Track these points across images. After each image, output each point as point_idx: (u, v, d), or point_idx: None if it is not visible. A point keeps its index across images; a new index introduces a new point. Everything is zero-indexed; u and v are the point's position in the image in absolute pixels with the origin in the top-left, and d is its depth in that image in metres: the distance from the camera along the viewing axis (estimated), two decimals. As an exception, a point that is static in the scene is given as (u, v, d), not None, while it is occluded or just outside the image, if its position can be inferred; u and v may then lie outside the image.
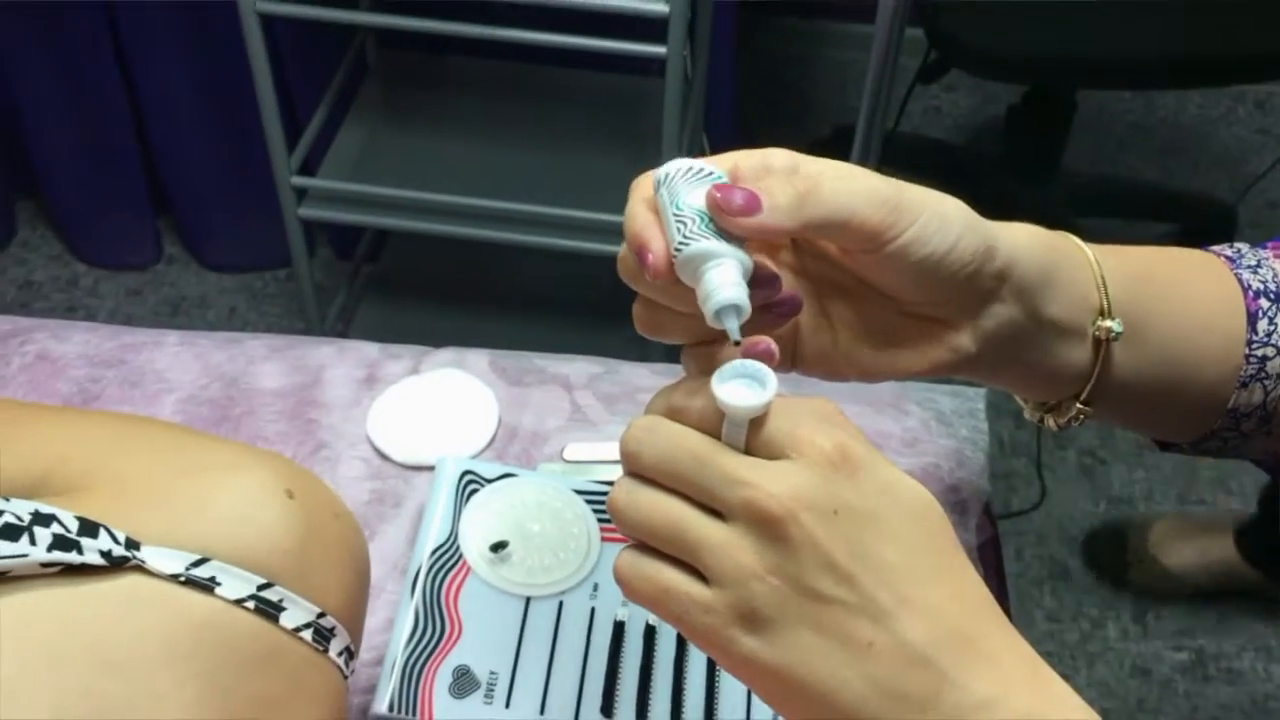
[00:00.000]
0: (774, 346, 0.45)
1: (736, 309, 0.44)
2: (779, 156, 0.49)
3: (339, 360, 0.93)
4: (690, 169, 0.47)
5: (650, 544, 0.45)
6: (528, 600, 0.77)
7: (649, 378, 0.93)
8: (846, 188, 0.47)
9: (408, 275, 1.88)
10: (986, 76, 1.97)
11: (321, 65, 1.71)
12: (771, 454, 0.44)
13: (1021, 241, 0.51)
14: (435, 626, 0.74)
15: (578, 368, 0.94)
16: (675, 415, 0.46)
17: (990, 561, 0.86)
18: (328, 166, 1.65)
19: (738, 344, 0.45)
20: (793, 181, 0.47)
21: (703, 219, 0.45)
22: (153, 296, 1.96)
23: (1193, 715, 1.59)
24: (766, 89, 2.28)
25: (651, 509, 0.45)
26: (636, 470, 0.45)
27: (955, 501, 0.86)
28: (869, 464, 0.43)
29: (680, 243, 0.45)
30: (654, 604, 0.45)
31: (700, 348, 0.49)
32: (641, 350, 1.65)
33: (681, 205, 0.46)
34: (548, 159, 1.66)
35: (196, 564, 0.53)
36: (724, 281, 0.44)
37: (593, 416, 0.90)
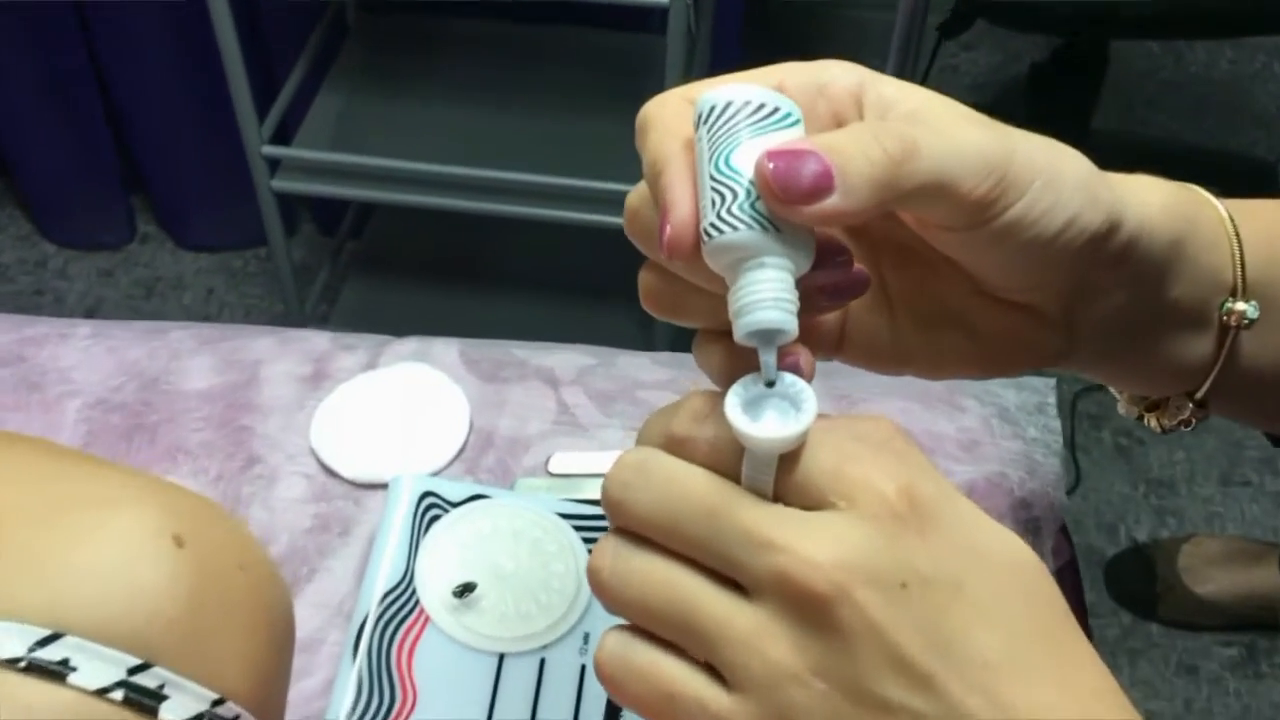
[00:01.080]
0: (808, 361, 0.34)
1: (777, 334, 0.32)
2: (840, 77, 0.37)
3: (280, 354, 0.75)
4: (751, 105, 0.33)
5: (646, 628, 0.34)
6: (501, 658, 0.59)
7: (651, 370, 0.75)
8: (948, 148, 0.34)
9: (395, 252, 1.76)
10: (1015, 28, 1.82)
11: (298, 27, 1.58)
12: (811, 502, 0.33)
13: (1153, 210, 0.40)
14: (383, 695, 0.57)
15: (565, 359, 0.76)
16: (678, 447, 0.34)
17: (1070, 589, 0.68)
18: (304, 135, 1.51)
19: (770, 385, 0.33)
20: (881, 139, 0.33)
21: (754, 193, 0.33)
22: (125, 278, 1.82)
23: (1245, 716, 1.45)
24: (775, 47, 2.10)
25: (647, 581, 0.34)
26: (626, 525, 0.34)
27: (1027, 520, 0.68)
28: (947, 513, 0.32)
29: (715, 223, 0.33)
30: (652, 713, 0.34)
31: (723, 340, 0.36)
32: (647, 337, 1.50)
33: (728, 165, 0.33)
34: (541, 125, 1.53)
35: (44, 642, 0.40)
36: (766, 295, 0.32)
37: (583, 419, 0.72)
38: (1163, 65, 2.15)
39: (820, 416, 0.33)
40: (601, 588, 0.34)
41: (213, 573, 0.46)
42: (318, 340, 0.76)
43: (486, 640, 0.60)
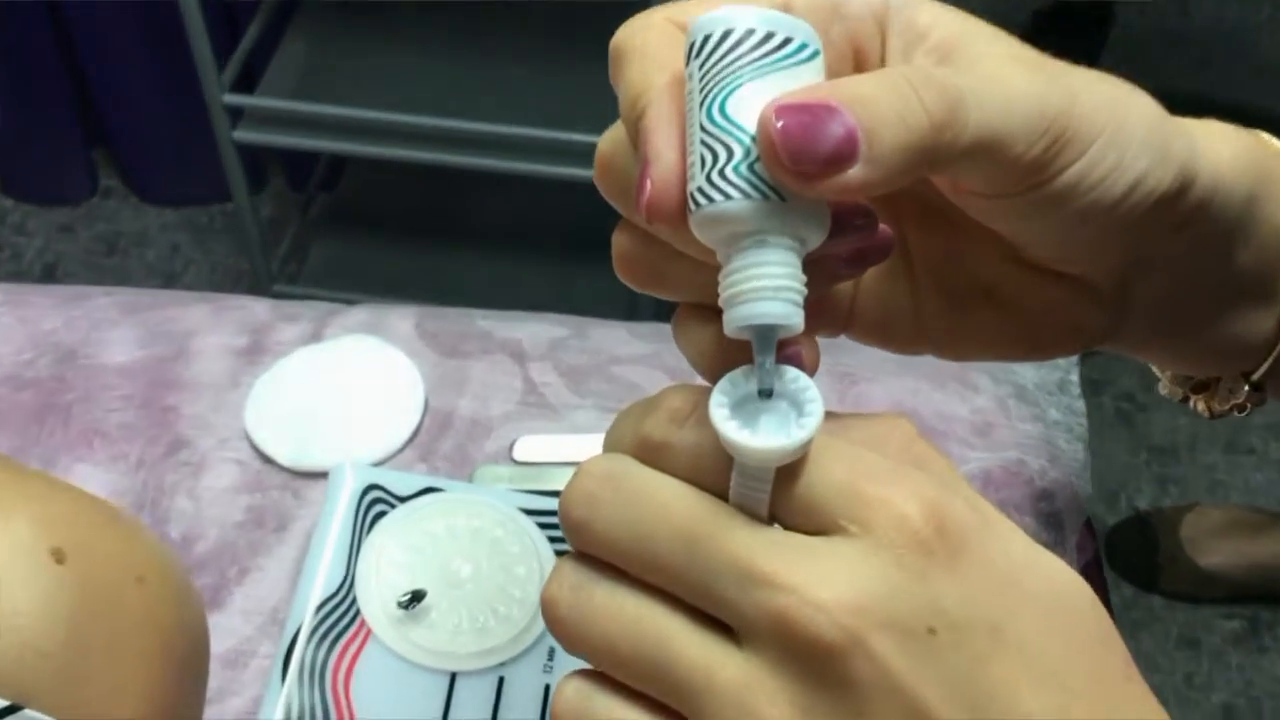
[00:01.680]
0: (811, 351, 0.29)
1: (778, 330, 0.27)
2: None
3: (214, 324, 0.66)
4: (757, 35, 0.26)
5: (612, 675, 0.28)
6: (453, 677, 0.51)
7: (630, 343, 0.67)
8: (998, 101, 0.28)
9: (368, 207, 1.67)
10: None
11: (262, -34, 1.49)
12: (816, 526, 0.27)
13: (1224, 163, 0.33)
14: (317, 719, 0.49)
15: (534, 330, 0.67)
16: (653, 455, 0.29)
17: (1095, 589, 0.60)
18: (267, 83, 1.41)
19: (766, 394, 0.27)
20: (921, 93, 0.27)
21: (755, 151, 0.26)
22: (86, 233, 1.73)
23: (1247, 690, 1.39)
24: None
25: (613, 619, 0.28)
26: (589, 550, 0.29)
27: (1048, 513, 0.60)
28: (983, 539, 0.27)
29: (704, 188, 0.26)
30: None
31: (712, 320, 0.30)
32: (632, 301, 1.42)
33: (723, 114, 0.26)
34: (522, 72, 1.43)
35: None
36: (766, 281, 0.27)
37: (553, 398, 0.64)
38: (1168, 14, 2.07)
39: (826, 415, 0.27)
40: (558, 624, 0.28)
41: (101, 591, 0.39)
42: (256, 309, 0.67)
43: (437, 657, 0.52)
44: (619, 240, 0.31)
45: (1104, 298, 0.34)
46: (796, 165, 0.26)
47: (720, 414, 0.27)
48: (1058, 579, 0.28)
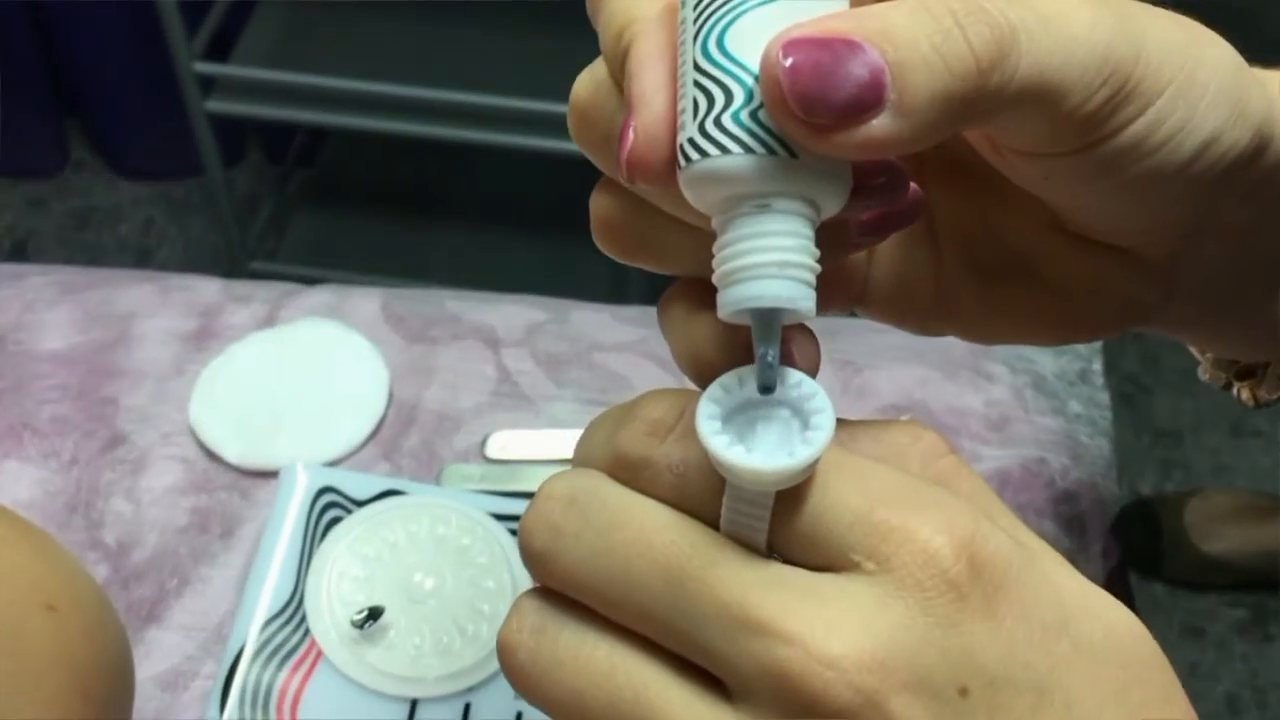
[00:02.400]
0: (806, 344, 0.25)
1: (783, 316, 0.22)
2: None
3: (159, 306, 0.60)
4: None
5: None
6: (414, 704, 0.45)
7: (614, 329, 0.61)
8: (1055, 41, 0.23)
9: (348, 181, 1.62)
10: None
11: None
12: (824, 561, 0.23)
13: None
14: (259, 756, 0.43)
15: (509, 314, 0.61)
16: (629, 474, 0.25)
17: (1119, 596, 0.55)
18: (242, 50, 1.36)
19: (767, 391, 0.23)
20: (965, 26, 0.22)
21: (760, 96, 0.22)
22: (58, 208, 1.67)
23: (1252, 680, 1.35)
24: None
25: (582, 669, 0.24)
26: (553, 585, 0.25)
27: (1070, 517, 0.54)
28: (1024, 578, 0.23)
29: (696, 139, 0.22)
30: None
31: (705, 303, 0.25)
32: (622, 280, 1.36)
33: (721, 50, 0.22)
34: (509, 40, 1.37)
35: None
36: (769, 256, 0.22)
37: (529, 389, 0.58)
38: (1171, -14, 2.02)
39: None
40: (517, 674, 0.24)
41: (3, 620, 0.35)
42: (205, 289, 0.61)
43: (395, 681, 0.46)
44: (599, 201, 0.26)
45: (1154, 273, 0.30)
46: (808, 114, 0.21)
47: (709, 427, 0.22)
48: (1114, 625, 0.24)
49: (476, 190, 1.56)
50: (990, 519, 0.23)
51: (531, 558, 0.24)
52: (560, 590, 0.24)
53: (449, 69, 1.32)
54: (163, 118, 1.59)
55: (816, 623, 0.21)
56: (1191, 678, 1.36)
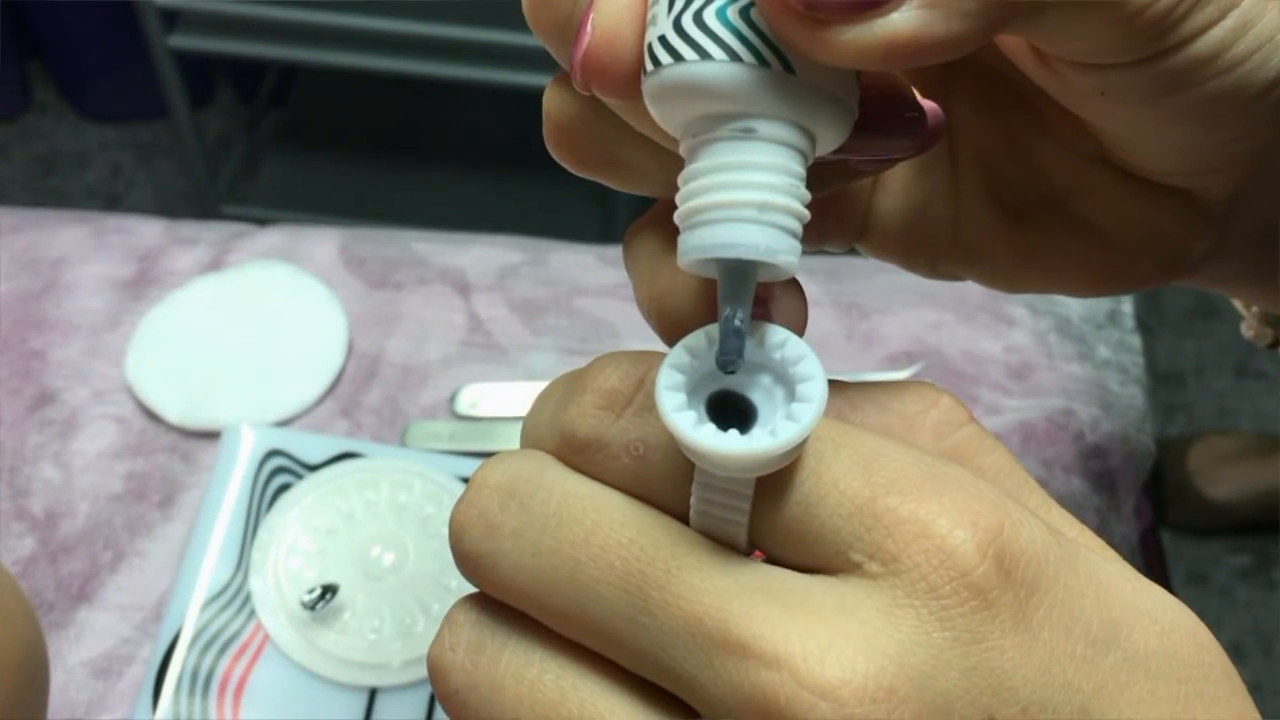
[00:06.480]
0: (792, 299, 0.20)
1: (759, 271, 0.18)
2: None
3: (93, 250, 0.54)
4: None
5: None
6: (373, 693, 0.40)
7: (597, 271, 0.55)
8: None
9: (323, 121, 1.55)
10: None
11: None
12: (817, 561, 0.19)
13: None
14: (197, 756, 0.38)
15: (480, 256, 0.55)
16: (579, 457, 0.20)
17: (1152, 557, 0.50)
18: None
19: (729, 368, 0.18)
20: None
21: None
22: (21, 153, 1.61)
23: (1256, 628, 1.33)
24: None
25: (523, 698, 0.19)
26: (492, 593, 0.20)
27: (1100, 473, 0.49)
28: (1061, 577, 0.19)
29: (669, 38, 0.18)
30: None
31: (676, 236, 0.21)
32: (609, 220, 1.30)
33: None
34: None
35: None
36: (745, 194, 0.17)
37: (503, 338, 0.52)
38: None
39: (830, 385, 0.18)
40: (451, 701, 0.20)
41: None
42: (145, 230, 0.55)
43: (352, 668, 0.40)
44: (553, 99, 0.22)
45: (1210, 218, 0.26)
46: (810, 5, 0.17)
47: (671, 401, 0.18)
48: (1171, 630, 0.20)
49: (459, 130, 1.50)
50: (1021, 504, 0.19)
51: (464, 561, 0.20)
52: (499, 597, 0.20)
53: (427, 1, 1.25)
54: (127, 57, 1.51)
55: (808, 641, 0.18)
56: (1195, 625, 1.34)
